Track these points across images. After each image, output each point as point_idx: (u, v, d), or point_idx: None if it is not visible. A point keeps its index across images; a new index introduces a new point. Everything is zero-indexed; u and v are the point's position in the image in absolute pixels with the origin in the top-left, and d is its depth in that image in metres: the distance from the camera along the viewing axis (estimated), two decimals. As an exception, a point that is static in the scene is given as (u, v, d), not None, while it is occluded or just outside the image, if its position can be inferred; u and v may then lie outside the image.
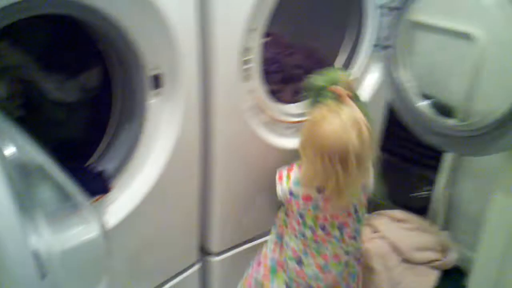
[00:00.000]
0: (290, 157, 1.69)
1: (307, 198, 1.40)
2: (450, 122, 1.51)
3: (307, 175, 1.35)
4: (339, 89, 1.42)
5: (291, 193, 1.42)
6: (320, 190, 1.38)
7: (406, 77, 1.60)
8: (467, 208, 2.09)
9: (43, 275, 0.54)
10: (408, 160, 2.31)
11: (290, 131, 1.68)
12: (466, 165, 2.05)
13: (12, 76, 1.49)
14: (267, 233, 1.81)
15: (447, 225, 2.17)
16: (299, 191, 1.40)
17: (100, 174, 1.30)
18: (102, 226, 0.75)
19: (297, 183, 1.41)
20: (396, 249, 2.00)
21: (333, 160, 1.28)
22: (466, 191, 2.08)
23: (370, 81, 1.81)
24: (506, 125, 1.36)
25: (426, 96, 1.58)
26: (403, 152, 2.30)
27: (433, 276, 1.97)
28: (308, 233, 1.45)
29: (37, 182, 0.69)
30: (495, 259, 1.55)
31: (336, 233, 1.46)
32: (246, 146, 1.57)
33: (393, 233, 2.04)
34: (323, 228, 1.45)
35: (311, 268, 1.48)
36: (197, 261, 1.69)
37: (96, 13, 1.16)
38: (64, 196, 0.72)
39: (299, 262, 1.49)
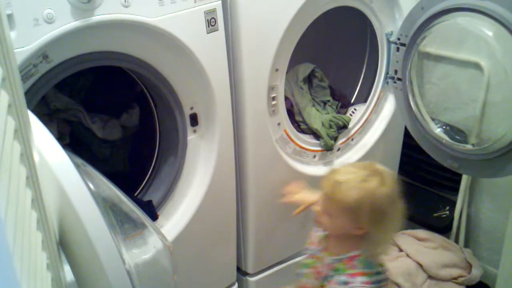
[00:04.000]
0: (316, 183, 1.80)
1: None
2: (464, 146, 1.57)
3: (375, 244, 1.25)
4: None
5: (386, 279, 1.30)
6: None
7: (419, 106, 1.66)
8: (488, 226, 2.14)
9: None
10: (428, 182, 2.35)
11: (316, 159, 1.79)
12: (484, 185, 2.10)
13: (60, 118, 1.62)
14: (298, 255, 1.91)
15: (469, 243, 2.22)
16: (381, 271, 1.29)
17: (149, 203, 1.43)
18: (166, 244, 0.89)
19: (371, 265, 1.27)
20: (421, 267, 2.03)
21: (399, 208, 1.24)
22: (485, 209, 2.13)
23: (386, 111, 1.91)
24: (517, 149, 1.43)
25: (439, 123, 1.65)
26: (423, 175, 2.34)
27: (459, 292, 2.03)
28: None
29: (108, 210, 0.84)
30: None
31: None
32: (276, 173, 1.68)
33: (417, 251, 2.07)
34: None
35: None
36: (235, 282, 1.79)
37: (142, 63, 1.32)
38: (130, 220, 0.86)
39: None
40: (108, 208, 0.81)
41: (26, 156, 0.60)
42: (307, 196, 1.53)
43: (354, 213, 1.21)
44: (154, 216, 1.43)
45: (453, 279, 2.04)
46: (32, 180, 0.62)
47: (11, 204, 0.48)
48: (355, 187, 1.21)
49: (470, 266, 2.06)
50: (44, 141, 0.71)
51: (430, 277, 2.04)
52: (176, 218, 1.49)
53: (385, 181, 1.22)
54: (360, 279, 1.24)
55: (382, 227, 1.23)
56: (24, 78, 1.13)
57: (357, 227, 1.23)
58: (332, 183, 1.24)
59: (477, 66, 1.51)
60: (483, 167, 1.58)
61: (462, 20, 1.51)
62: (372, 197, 1.20)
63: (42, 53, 1.13)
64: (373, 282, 1.25)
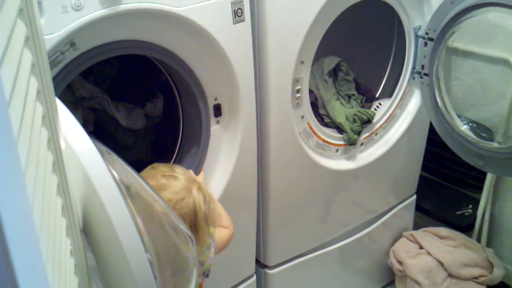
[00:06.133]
0: (338, 178, 1.80)
1: None
2: (490, 144, 1.55)
3: None
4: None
5: None
6: None
7: (445, 102, 1.64)
8: (511, 226, 2.13)
9: (155, 277, 0.69)
10: (451, 180, 2.34)
11: (338, 153, 1.78)
12: (509, 184, 2.07)
13: (85, 105, 1.62)
14: (318, 248, 1.91)
15: (491, 242, 2.20)
16: None
17: (171, 193, 1.43)
18: (189, 236, 0.89)
19: None
20: (442, 265, 2.03)
21: None
22: (509, 209, 2.10)
23: (411, 106, 1.89)
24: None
25: (466, 120, 1.63)
26: (447, 172, 2.33)
27: (480, 291, 2.01)
28: None
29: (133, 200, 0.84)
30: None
31: None
32: (298, 167, 1.67)
33: (438, 249, 2.07)
34: None
35: None
36: (254, 274, 1.79)
37: (167, 53, 1.32)
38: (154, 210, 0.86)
39: None
40: (132, 196, 0.81)
41: (53, 142, 0.61)
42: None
43: None
44: (176, 206, 1.43)
45: (474, 279, 2.03)
46: (58, 166, 0.62)
47: (38, 189, 0.48)
48: (155, 177, 1.16)
49: (491, 266, 2.05)
50: (70, 127, 0.72)
51: (450, 275, 2.04)
52: (197, 208, 1.49)
53: (178, 197, 1.13)
54: None
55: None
56: (51, 65, 1.14)
57: None
58: (150, 166, 1.21)
59: (506, 63, 1.49)
60: (508, 165, 1.56)
61: (492, 15, 1.48)
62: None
63: (70, 41, 1.14)
64: None
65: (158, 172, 1.18)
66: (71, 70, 1.19)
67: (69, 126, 0.72)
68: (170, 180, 1.15)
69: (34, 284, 0.37)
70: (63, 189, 0.64)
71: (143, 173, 1.20)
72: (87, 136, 0.73)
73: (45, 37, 1.08)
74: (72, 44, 1.15)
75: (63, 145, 0.67)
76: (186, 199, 1.14)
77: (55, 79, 1.16)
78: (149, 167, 1.21)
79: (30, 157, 0.45)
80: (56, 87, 1.17)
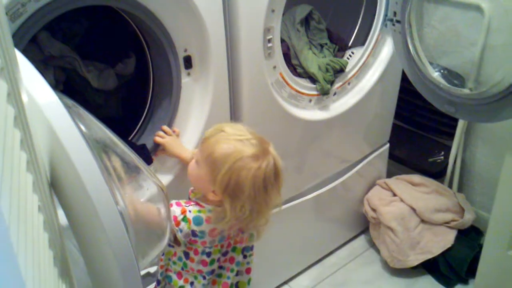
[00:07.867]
0: (311, 128, 1.80)
1: (214, 233, 1.22)
2: (462, 91, 1.56)
3: (224, 216, 1.15)
4: None
5: (194, 235, 1.20)
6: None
7: (417, 49, 1.64)
8: (482, 171, 2.16)
9: (126, 229, 0.68)
10: (424, 127, 2.36)
11: (311, 103, 1.77)
12: (480, 130, 2.10)
13: (55, 65, 1.58)
14: (293, 198, 1.92)
15: (462, 188, 2.25)
16: (204, 228, 1.20)
17: (143, 147, 1.41)
18: (161, 188, 0.88)
19: (200, 222, 1.19)
20: (415, 211, 2.08)
21: (261, 191, 1.14)
22: (480, 155, 2.14)
23: (384, 54, 1.89)
24: (515, 94, 1.42)
25: (437, 67, 1.63)
26: (419, 120, 2.35)
27: (451, 235, 2.06)
28: (215, 266, 1.28)
29: (101, 154, 0.82)
30: (509, 219, 1.61)
31: (240, 257, 1.33)
32: (271, 117, 1.67)
33: (411, 196, 2.11)
34: (225, 254, 1.29)
35: None
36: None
37: (133, 3, 1.27)
38: (124, 163, 0.85)
39: None
40: (101, 150, 0.80)
41: (14, 95, 0.58)
42: (179, 150, 1.45)
43: (213, 169, 1.14)
44: (148, 160, 1.42)
45: (446, 223, 2.08)
46: (21, 120, 0.60)
47: (-3, 143, 0.46)
48: (229, 142, 1.15)
49: (463, 210, 2.09)
50: (32, 81, 0.69)
51: (423, 221, 2.08)
52: (171, 162, 1.48)
53: (262, 161, 1.13)
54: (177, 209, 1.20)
55: (234, 204, 1.14)
56: (13, 18, 1.10)
57: (212, 190, 1.16)
58: (216, 128, 1.20)
59: (478, 9, 1.48)
60: (479, 112, 1.57)
61: (464, -40, 1.46)
62: (236, 162, 1.12)
63: (30, -9, 1.09)
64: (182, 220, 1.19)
65: (230, 135, 1.16)
66: (34, 22, 1.15)
67: (32, 80, 0.70)
68: (246, 144, 1.14)
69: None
70: (27, 144, 0.62)
71: (211, 135, 1.18)
72: (51, 89, 0.70)
73: (3, -12, 1.04)
74: (33, -5, 1.10)
75: (25, 99, 0.65)
76: (271, 161, 1.15)
77: (17, 33, 1.12)
78: (216, 128, 1.20)
79: (-14, 109, 0.43)
80: (18, 41, 1.13)
